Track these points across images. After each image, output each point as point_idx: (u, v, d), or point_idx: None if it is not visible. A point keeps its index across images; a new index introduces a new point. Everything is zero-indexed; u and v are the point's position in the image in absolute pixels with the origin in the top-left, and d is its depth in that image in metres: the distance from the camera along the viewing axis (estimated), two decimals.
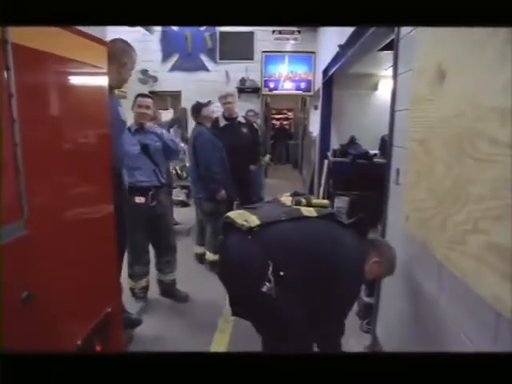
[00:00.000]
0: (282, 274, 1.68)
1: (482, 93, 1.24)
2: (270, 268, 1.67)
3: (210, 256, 3.90)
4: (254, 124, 4.96)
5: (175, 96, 8.35)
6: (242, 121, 4.49)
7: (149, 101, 3.06)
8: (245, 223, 1.78)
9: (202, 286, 3.58)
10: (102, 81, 1.52)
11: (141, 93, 3.21)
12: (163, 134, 3.14)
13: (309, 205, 1.99)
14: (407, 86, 2.00)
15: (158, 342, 2.68)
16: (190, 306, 3.29)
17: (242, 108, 7.86)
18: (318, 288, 1.78)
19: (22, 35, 0.99)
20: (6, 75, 0.93)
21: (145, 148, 2.98)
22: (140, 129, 3.02)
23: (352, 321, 2.93)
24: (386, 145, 2.50)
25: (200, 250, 4.17)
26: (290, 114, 14.12)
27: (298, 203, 1.98)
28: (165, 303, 3.24)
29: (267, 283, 1.65)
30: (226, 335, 2.83)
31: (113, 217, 1.56)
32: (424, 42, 1.75)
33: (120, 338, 1.68)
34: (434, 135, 1.60)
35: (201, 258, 4.16)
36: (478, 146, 1.24)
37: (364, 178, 4.76)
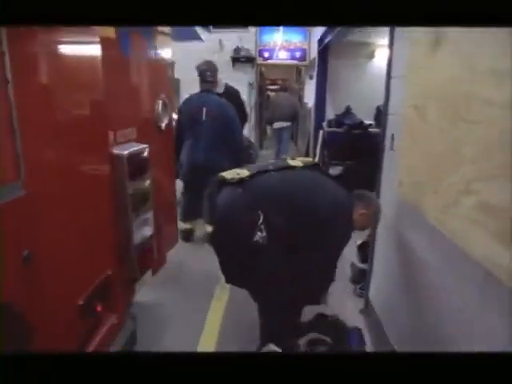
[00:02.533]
0: (272, 222, 1.75)
1: (477, 55, 1.24)
2: (261, 218, 1.74)
3: (209, 228, 3.86)
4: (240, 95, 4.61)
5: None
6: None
7: None
8: (235, 176, 1.87)
9: (198, 257, 3.63)
10: (96, 49, 1.47)
11: None
12: None
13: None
14: (404, 52, 1.98)
15: (155, 309, 2.73)
16: (187, 275, 3.34)
17: (236, 79, 7.74)
18: (308, 234, 1.83)
19: None
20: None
21: None
22: None
23: (346, 287, 3.02)
24: (381, 115, 2.50)
25: (187, 226, 3.99)
26: (287, 82, 13.90)
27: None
28: (161, 272, 3.26)
29: (259, 233, 1.73)
30: (222, 303, 2.89)
31: (110, 179, 1.56)
32: None
33: (120, 300, 1.71)
34: (430, 100, 1.61)
35: (188, 235, 4.00)
36: (473, 109, 1.24)
37: (359, 147, 4.77)
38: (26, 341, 1.05)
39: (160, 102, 2.06)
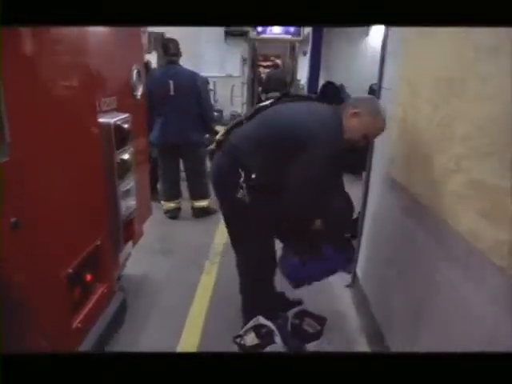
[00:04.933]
0: (253, 176, 1.70)
1: (475, 31, 1.22)
2: (242, 176, 1.72)
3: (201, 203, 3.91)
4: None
5: (157, 38, 7.96)
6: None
7: None
8: (215, 140, 1.89)
9: (189, 231, 3.65)
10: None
11: None
12: None
13: None
14: (399, 28, 1.95)
15: (144, 282, 2.75)
16: (177, 248, 3.36)
17: (230, 51, 7.59)
18: (291, 173, 1.71)
19: None
20: None
21: None
22: None
23: None
24: (374, 93, 2.49)
25: (172, 204, 3.90)
26: (277, 60, 13.68)
27: None
28: (152, 245, 3.28)
29: (241, 190, 1.72)
30: (211, 277, 2.92)
31: (99, 151, 1.54)
32: None
33: (109, 270, 1.72)
34: (425, 76, 1.60)
35: (174, 213, 3.93)
36: (468, 85, 1.24)
37: None
38: (17, 308, 1.05)
39: (135, 71, 2.05)
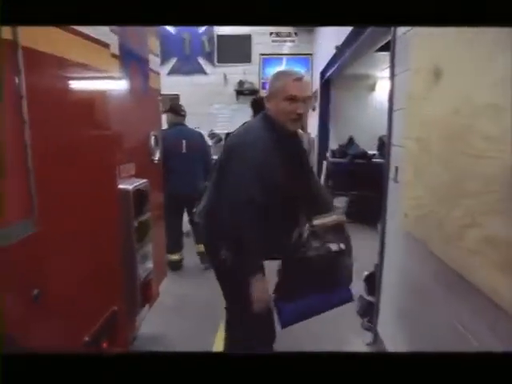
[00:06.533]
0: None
1: (475, 90, 1.27)
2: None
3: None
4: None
5: (174, 99, 8.38)
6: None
7: None
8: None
9: (202, 287, 3.61)
10: (107, 83, 1.55)
11: None
12: None
13: None
14: (404, 85, 2.03)
15: (158, 341, 2.69)
16: (192, 305, 3.30)
17: (241, 109, 7.90)
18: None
19: (31, 38, 1.02)
20: (16, 78, 0.96)
21: None
22: None
23: (353, 319, 2.97)
24: (383, 145, 2.54)
25: (176, 257, 4.07)
26: None
27: None
28: (166, 302, 3.23)
29: (222, 251, 1.69)
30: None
31: (118, 218, 1.59)
32: (420, 42, 1.78)
33: (126, 335, 1.70)
34: (430, 133, 1.64)
35: (177, 264, 4.09)
36: (472, 143, 1.27)
37: (362, 177, 4.80)
38: None
39: (153, 137, 2.15)
